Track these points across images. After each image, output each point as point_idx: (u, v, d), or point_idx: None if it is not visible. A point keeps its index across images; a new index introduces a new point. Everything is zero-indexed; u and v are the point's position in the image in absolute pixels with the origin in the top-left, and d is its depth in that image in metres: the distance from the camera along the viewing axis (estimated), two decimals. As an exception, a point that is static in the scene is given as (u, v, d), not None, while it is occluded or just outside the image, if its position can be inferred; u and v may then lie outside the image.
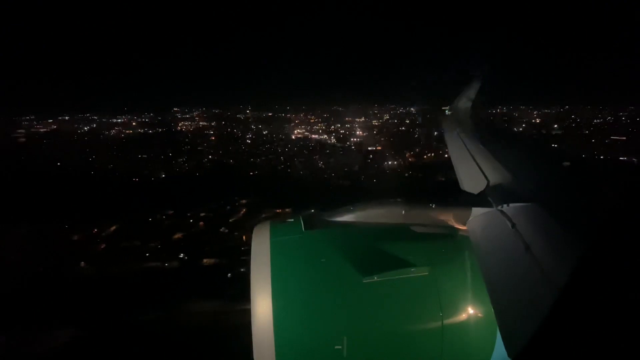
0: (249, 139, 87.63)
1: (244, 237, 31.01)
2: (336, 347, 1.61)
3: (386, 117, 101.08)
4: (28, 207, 38.82)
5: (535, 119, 79.19)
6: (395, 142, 69.26)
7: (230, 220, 36.08)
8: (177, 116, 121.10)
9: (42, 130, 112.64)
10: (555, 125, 67.78)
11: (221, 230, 34.84)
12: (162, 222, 36.52)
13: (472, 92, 5.58)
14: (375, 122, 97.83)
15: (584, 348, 0.79)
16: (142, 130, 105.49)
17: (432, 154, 58.41)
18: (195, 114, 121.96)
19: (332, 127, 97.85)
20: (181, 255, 32.12)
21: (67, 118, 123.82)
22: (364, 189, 43.07)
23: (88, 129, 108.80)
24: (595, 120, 74.59)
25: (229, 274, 27.15)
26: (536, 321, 1.00)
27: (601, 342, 0.77)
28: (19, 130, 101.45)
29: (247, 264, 1.75)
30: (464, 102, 5.52)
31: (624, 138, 55.42)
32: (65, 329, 23.16)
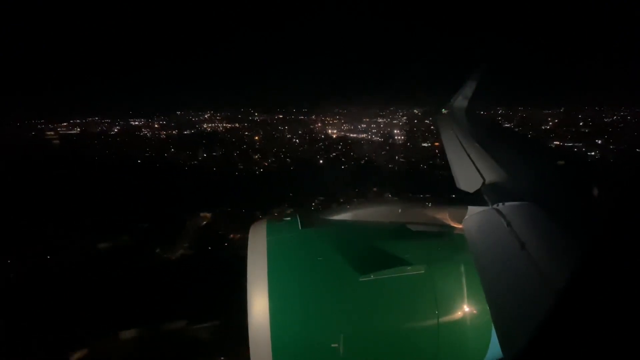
0: (295, 139, 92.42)
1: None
2: (332, 345, 1.65)
3: (405, 118, 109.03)
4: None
5: (545, 119, 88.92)
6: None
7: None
8: (200, 118, 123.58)
9: (70, 132, 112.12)
10: (582, 123, 78.11)
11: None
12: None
13: (468, 90, 5.51)
14: (397, 122, 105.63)
15: (579, 347, 0.80)
16: (175, 132, 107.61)
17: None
18: (207, 115, 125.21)
19: (360, 126, 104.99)
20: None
21: (93, 119, 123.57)
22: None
23: (119, 131, 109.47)
24: (605, 119, 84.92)
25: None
26: (531, 319, 1.01)
27: (597, 341, 0.77)
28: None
29: (244, 261, 1.77)
30: (461, 101, 5.46)
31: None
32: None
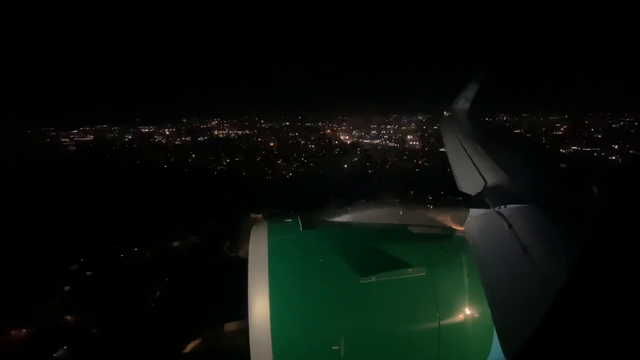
0: (311, 145, 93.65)
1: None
2: (333, 347, 1.65)
3: (413, 125, 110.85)
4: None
5: (552, 124, 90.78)
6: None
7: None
8: (208, 125, 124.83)
9: (84, 139, 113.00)
10: (592, 129, 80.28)
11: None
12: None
13: (470, 93, 5.52)
14: (404, 128, 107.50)
15: (580, 349, 0.80)
16: (188, 139, 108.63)
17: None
18: (215, 122, 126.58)
19: (371, 132, 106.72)
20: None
21: (104, 127, 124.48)
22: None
23: (132, 138, 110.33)
24: (613, 125, 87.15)
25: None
26: (533, 321, 1.01)
27: (598, 342, 0.78)
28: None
29: (244, 262, 1.78)
30: (462, 104, 5.48)
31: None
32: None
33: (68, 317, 25.20)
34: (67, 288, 28.34)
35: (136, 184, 53.26)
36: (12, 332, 23.60)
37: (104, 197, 47.26)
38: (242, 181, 57.96)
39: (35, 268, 28.94)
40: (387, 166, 66.80)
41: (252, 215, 41.18)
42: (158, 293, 27.44)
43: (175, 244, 34.36)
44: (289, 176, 63.75)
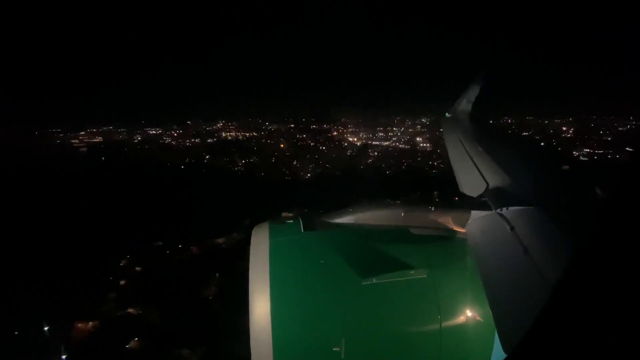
0: (322, 147, 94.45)
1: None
2: (334, 348, 1.65)
3: (418, 127, 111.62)
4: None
5: (559, 127, 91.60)
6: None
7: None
8: (213, 127, 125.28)
9: (93, 140, 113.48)
10: (601, 132, 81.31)
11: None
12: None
13: (472, 94, 5.44)
14: (410, 130, 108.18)
15: (582, 351, 0.80)
16: (197, 140, 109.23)
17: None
18: (220, 124, 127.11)
19: (378, 134, 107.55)
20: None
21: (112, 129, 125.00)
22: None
23: (142, 140, 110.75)
24: (620, 128, 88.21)
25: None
26: (534, 324, 0.99)
27: (599, 346, 0.78)
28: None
29: (246, 263, 1.78)
30: (464, 105, 5.43)
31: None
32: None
33: (130, 310, 25.93)
34: (122, 283, 29.10)
35: (158, 184, 53.82)
36: (79, 325, 24.32)
37: (129, 196, 47.78)
38: (262, 182, 58.74)
39: (85, 264, 29.54)
40: (404, 167, 67.73)
41: (283, 214, 41.71)
42: (213, 288, 28.12)
43: (220, 240, 35.19)
44: (308, 176, 64.62)
